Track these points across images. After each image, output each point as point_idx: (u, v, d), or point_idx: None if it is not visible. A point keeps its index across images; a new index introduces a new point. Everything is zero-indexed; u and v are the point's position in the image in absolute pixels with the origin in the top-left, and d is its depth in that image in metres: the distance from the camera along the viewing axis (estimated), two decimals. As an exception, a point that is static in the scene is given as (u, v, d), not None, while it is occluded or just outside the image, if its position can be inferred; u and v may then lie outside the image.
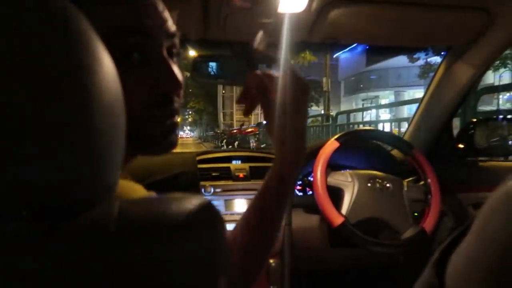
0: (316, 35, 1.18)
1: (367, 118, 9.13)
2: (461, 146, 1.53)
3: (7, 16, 0.27)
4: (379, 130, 1.92)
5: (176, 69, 0.49)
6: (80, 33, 0.29)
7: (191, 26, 1.16)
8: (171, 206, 0.33)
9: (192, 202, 0.34)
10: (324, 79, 10.86)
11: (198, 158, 1.48)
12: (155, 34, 0.47)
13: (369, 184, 1.28)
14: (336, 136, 1.33)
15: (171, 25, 0.50)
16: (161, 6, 0.49)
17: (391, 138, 1.44)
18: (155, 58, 0.48)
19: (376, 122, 7.51)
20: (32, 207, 0.29)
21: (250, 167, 1.49)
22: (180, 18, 0.56)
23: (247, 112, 0.67)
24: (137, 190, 0.48)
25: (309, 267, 1.46)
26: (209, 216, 0.34)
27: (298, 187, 1.45)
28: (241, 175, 1.46)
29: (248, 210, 0.64)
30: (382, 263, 1.50)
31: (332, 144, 1.30)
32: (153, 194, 0.49)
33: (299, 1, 0.99)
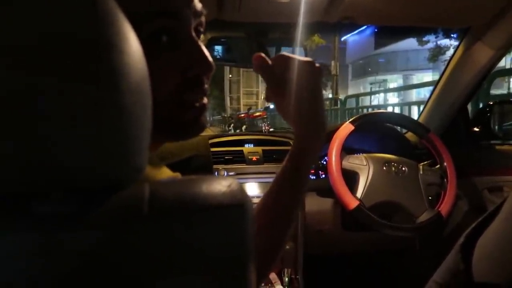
0: (332, 15, 1.15)
1: (375, 102, 9.06)
2: (476, 129, 1.51)
3: (40, 3, 0.26)
4: (394, 113, 1.90)
5: (205, 50, 0.48)
6: (108, 13, 0.29)
7: (204, 6, 1.14)
8: (201, 187, 0.33)
9: (222, 183, 0.34)
10: (333, 63, 10.75)
11: (211, 141, 1.47)
12: (182, 14, 0.45)
13: (384, 168, 1.26)
14: (350, 119, 1.32)
15: (197, 3, 0.48)
16: None
17: (406, 121, 1.42)
18: (184, 40, 0.46)
19: (385, 106, 7.45)
20: (62, 189, 0.28)
21: (263, 150, 1.48)
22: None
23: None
24: (164, 172, 0.47)
25: (322, 250, 1.46)
26: (240, 197, 0.34)
27: (311, 171, 1.44)
28: (254, 158, 1.46)
29: (268, 191, 0.63)
30: (396, 246, 1.50)
31: (346, 127, 1.28)
32: (178, 175, 0.49)
33: (317, -20, 0.97)
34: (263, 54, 0.60)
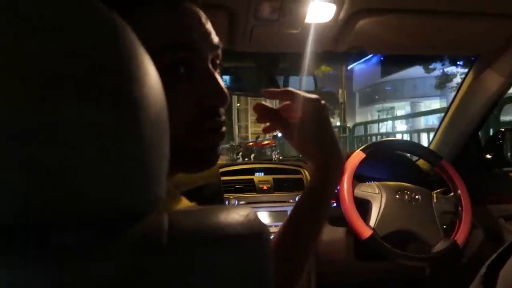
0: (341, 45, 1.17)
1: (383, 130, 9.05)
2: (489, 156, 1.49)
3: (60, 28, 0.26)
4: (406, 140, 1.89)
5: (221, 82, 0.48)
6: (129, 45, 0.29)
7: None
8: (220, 216, 0.33)
9: (239, 213, 0.34)
10: (340, 91, 10.84)
11: (221, 170, 1.47)
12: (200, 47, 0.46)
13: (397, 196, 1.25)
14: (362, 147, 1.31)
15: (214, 37, 0.49)
16: (204, 18, 0.48)
17: (418, 148, 1.41)
18: (201, 72, 0.47)
19: (393, 134, 7.43)
20: (80, 219, 0.28)
21: (274, 179, 1.48)
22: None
23: (268, 130, 0.69)
24: (181, 201, 0.47)
25: (334, 280, 1.43)
26: (258, 226, 0.34)
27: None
28: (265, 187, 1.45)
29: (285, 224, 0.63)
30: (409, 276, 1.46)
31: (358, 155, 1.28)
32: (195, 205, 0.49)
33: (327, 11, 0.99)
34: (262, 103, 0.62)
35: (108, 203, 0.28)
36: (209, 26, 0.48)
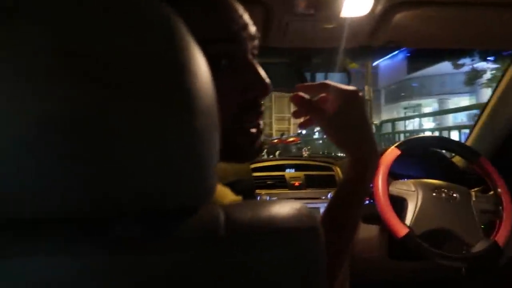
0: (377, 39, 1.15)
1: (409, 127, 8.87)
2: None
3: (119, 23, 0.27)
4: (442, 137, 1.85)
5: (263, 72, 0.49)
6: (182, 37, 0.29)
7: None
8: (274, 210, 0.33)
9: (293, 207, 0.34)
10: (366, 88, 10.68)
11: (252, 166, 1.47)
12: (240, 39, 0.47)
13: (434, 194, 1.22)
14: (396, 144, 1.29)
15: (252, 27, 0.49)
16: (241, 9, 0.48)
17: (455, 145, 1.37)
18: (242, 63, 0.47)
19: (421, 131, 7.27)
20: (138, 211, 0.28)
21: (305, 175, 1.47)
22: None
23: (305, 125, 0.69)
24: (228, 195, 0.47)
25: (368, 279, 1.41)
26: (312, 220, 0.34)
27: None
28: (296, 183, 1.44)
29: (321, 218, 0.63)
30: (445, 276, 1.42)
31: (392, 152, 1.25)
32: (240, 198, 0.49)
33: (363, 5, 0.97)
34: (300, 94, 0.62)
35: (161, 194, 0.28)
36: (246, 17, 0.49)
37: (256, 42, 0.50)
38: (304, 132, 8.58)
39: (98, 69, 0.25)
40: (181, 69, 0.28)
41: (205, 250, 0.29)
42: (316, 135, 8.60)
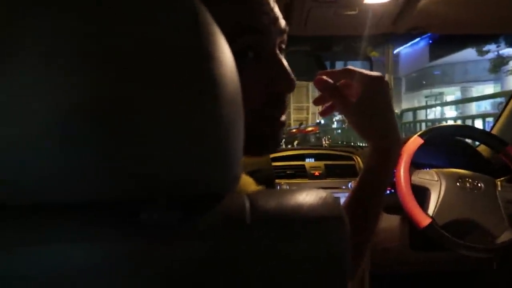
0: (401, 26, 1.12)
1: (431, 116, 8.71)
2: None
3: (145, 12, 0.27)
4: (467, 125, 1.81)
5: (288, 67, 0.48)
6: (207, 24, 0.29)
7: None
8: (299, 198, 0.33)
9: (318, 195, 0.34)
10: (387, 76, 10.51)
11: (272, 156, 1.47)
12: (269, 32, 0.46)
13: (458, 184, 1.19)
14: (419, 133, 1.26)
15: (282, 21, 0.48)
16: (272, 2, 0.47)
17: (480, 133, 1.34)
18: (269, 57, 0.46)
19: (442, 120, 7.13)
20: (166, 198, 0.29)
21: (325, 165, 1.46)
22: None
23: (326, 113, 0.68)
24: (250, 184, 0.47)
25: (388, 269, 1.40)
26: (338, 209, 0.34)
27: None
28: (316, 173, 1.44)
29: (346, 202, 0.63)
30: (469, 267, 1.40)
31: (415, 141, 1.23)
32: (263, 188, 0.49)
33: (388, -10, 0.95)
34: (324, 77, 0.61)
35: (189, 181, 0.28)
36: (277, 10, 0.48)
37: (284, 37, 0.49)
38: (322, 121, 8.52)
39: (125, 59, 0.26)
40: (205, 56, 0.28)
41: (233, 237, 0.29)
42: (335, 125, 8.53)
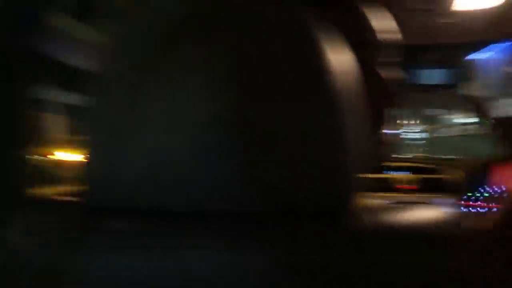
0: (497, 33, 1.06)
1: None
2: None
3: (271, 31, 0.29)
4: None
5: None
6: (329, 42, 0.30)
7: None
8: (418, 214, 0.32)
9: (440, 213, 0.32)
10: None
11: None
12: (375, 45, 0.47)
13: None
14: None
15: (389, 34, 0.49)
16: (388, 16, 0.49)
17: None
18: (370, 71, 0.47)
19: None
20: (287, 211, 0.29)
21: (418, 178, 1.39)
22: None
23: None
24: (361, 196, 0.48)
25: None
26: (455, 227, 0.32)
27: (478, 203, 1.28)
28: (408, 186, 1.38)
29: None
30: None
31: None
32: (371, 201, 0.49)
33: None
34: None
35: (315, 195, 0.29)
36: (392, 23, 0.49)
37: (389, 50, 0.50)
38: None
39: (255, 75, 0.28)
40: (327, 71, 0.29)
41: (352, 251, 0.28)
42: (411, 135, 7.92)
